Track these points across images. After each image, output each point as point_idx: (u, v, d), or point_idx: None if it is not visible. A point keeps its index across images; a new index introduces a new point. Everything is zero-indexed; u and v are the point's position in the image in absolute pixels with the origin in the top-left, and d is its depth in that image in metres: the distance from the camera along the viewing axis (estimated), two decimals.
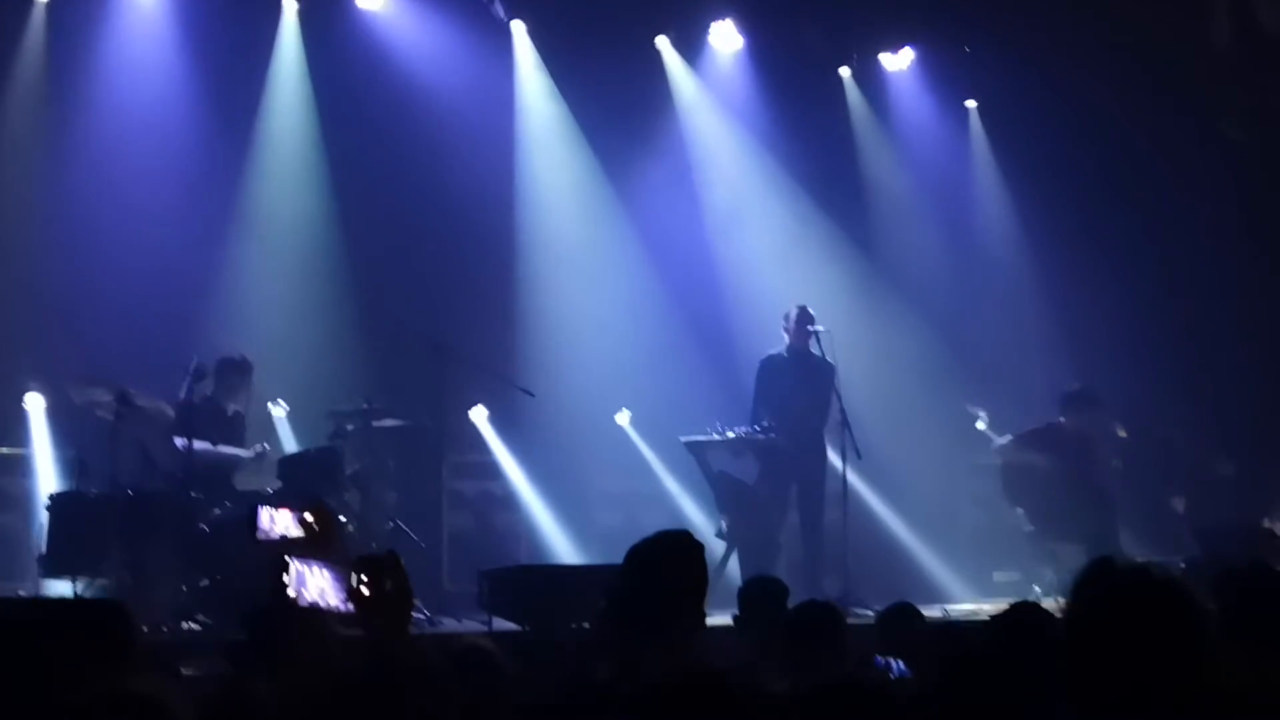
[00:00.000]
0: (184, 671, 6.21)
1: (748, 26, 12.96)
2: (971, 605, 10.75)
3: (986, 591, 11.69)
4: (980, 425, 12.62)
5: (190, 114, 11.05)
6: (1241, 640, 3.89)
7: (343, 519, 8.87)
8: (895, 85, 13.74)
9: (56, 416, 10.11)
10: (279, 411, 10.88)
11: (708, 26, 12.97)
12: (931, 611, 8.43)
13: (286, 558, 4.54)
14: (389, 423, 9.78)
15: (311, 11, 11.74)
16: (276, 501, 7.63)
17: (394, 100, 11.64)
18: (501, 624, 7.91)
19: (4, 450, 10.16)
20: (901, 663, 4.99)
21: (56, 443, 10.03)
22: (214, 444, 9.19)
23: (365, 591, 3.60)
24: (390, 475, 10.31)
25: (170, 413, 9.13)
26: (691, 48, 13.08)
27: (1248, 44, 13.13)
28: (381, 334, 10.88)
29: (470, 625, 8.44)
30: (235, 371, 9.60)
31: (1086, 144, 13.35)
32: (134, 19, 11.05)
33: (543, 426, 11.35)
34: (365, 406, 9.65)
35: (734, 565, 10.04)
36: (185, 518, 8.59)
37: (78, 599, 7.84)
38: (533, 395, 10.40)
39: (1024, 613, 4.56)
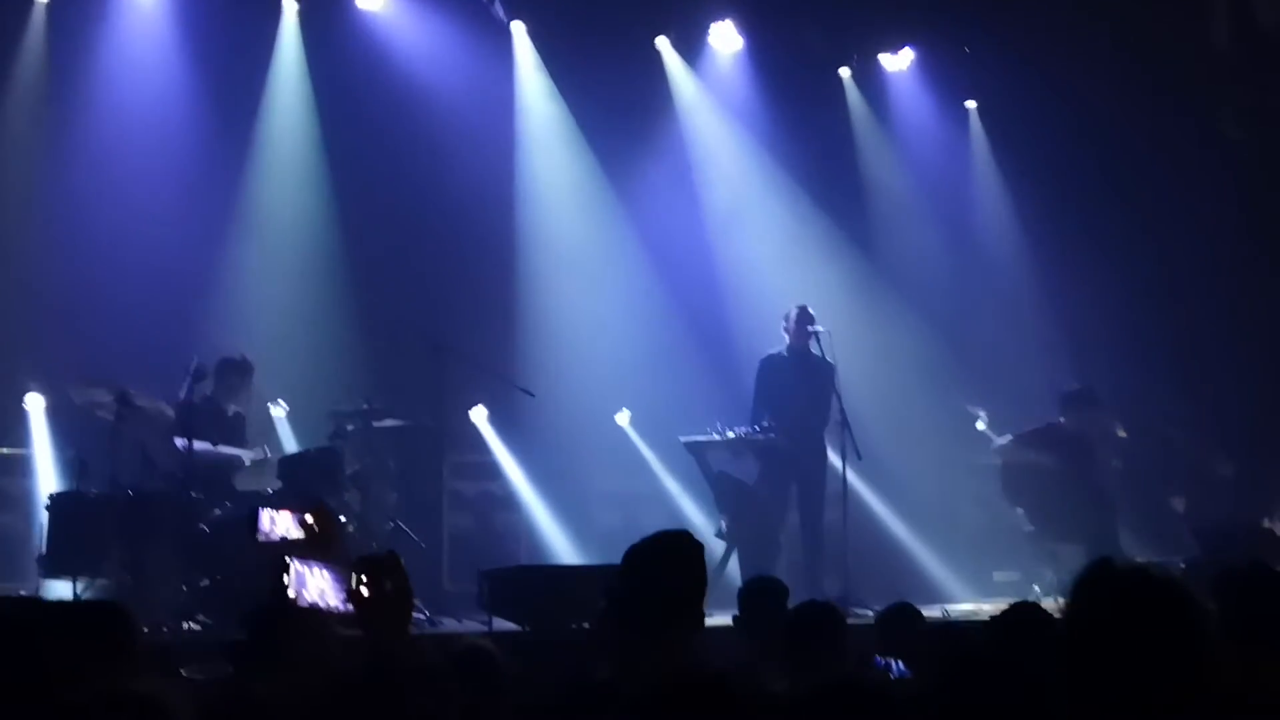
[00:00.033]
0: (184, 673, 6.24)
1: (747, 27, 12.97)
2: (971, 605, 10.75)
3: (986, 592, 11.69)
4: (980, 425, 12.63)
5: (190, 114, 11.05)
6: (1241, 640, 3.90)
7: (343, 519, 8.86)
8: (895, 85, 13.75)
9: (57, 417, 10.11)
10: (279, 412, 10.88)
11: (708, 27, 12.97)
12: (931, 612, 8.43)
13: (286, 558, 4.55)
14: (389, 423, 9.78)
15: (311, 12, 11.74)
16: (277, 503, 7.64)
17: (394, 100, 11.65)
18: (501, 624, 7.91)
19: (4, 450, 10.17)
20: (901, 663, 5.00)
21: (57, 443, 10.03)
22: (214, 444, 9.19)
23: (365, 592, 3.60)
24: (390, 475, 10.31)
25: (170, 413, 9.13)
26: (691, 48, 13.09)
27: (1247, 44, 13.14)
28: (382, 334, 10.88)
29: (470, 625, 8.44)
30: (235, 372, 9.60)
31: (1086, 144, 13.35)
32: (134, 19, 11.06)
33: (543, 427, 11.35)
34: (365, 407, 9.64)
35: (734, 565, 10.04)
36: (185, 518, 8.59)
37: (79, 600, 7.83)
38: (533, 395, 10.40)
39: (1024, 613, 4.56)
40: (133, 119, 10.87)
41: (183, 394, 8.94)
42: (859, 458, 10.09)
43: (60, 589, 8.35)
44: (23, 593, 8.77)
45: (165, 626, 8.01)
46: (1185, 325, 13.07)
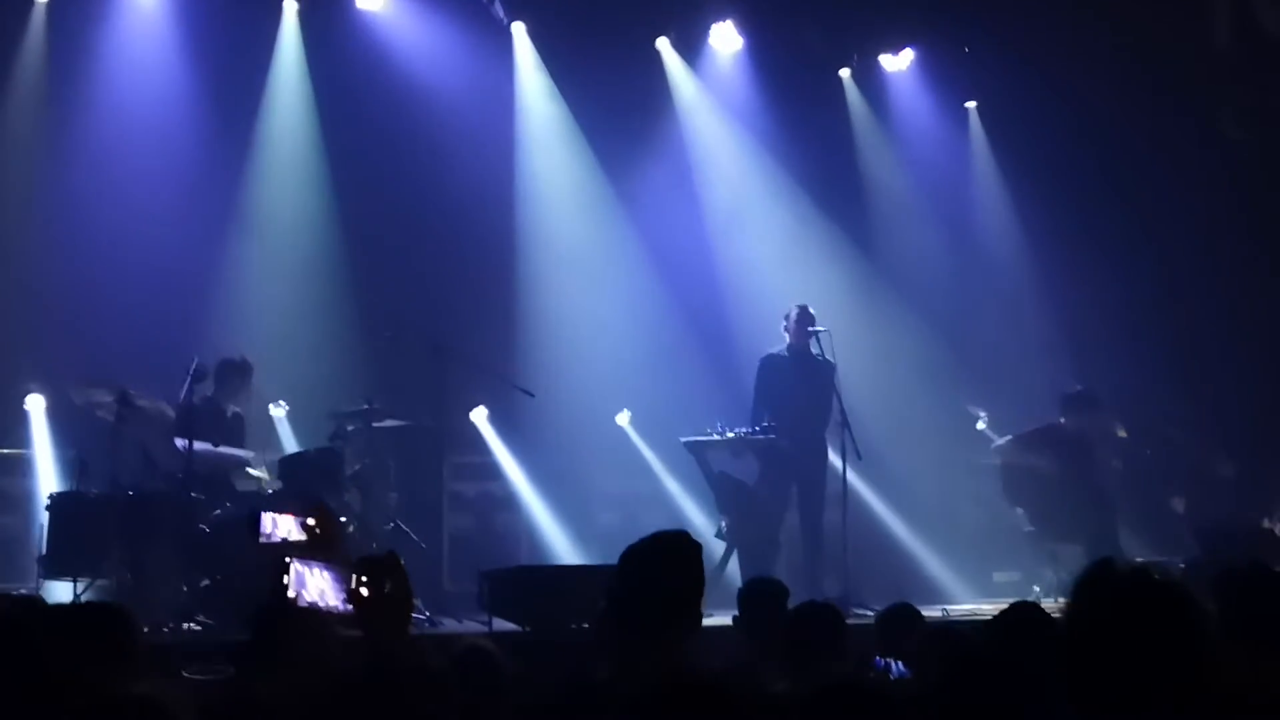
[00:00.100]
0: (185, 674, 6.24)
1: (748, 28, 12.97)
2: (971, 606, 10.75)
3: (987, 592, 11.69)
4: (980, 425, 12.64)
5: (190, 114, 11.05)
6: (1241, 641, 3.90)
7: (343, 520, 8.86)
8: (895, 86, 13.75)
9: (57, 417, 10.12)
10: (279, 412, 10.88)
11: (708, 28, 12.98)
12: (931, 612, 8.43)
13: (287, 558, 4.54)
14: (390, 423, 9.77)
15: (311, 12, 11.75)
16: (278, 504, 7.63)
17: (394, 101, 11.65)
18: (502, 624, 7.91)
19: (4, 451, 10.17)
20: (901, 663, 4.99)
21: (57, 443, 10.04)
22: (214, 445, 9.18)
23: (365, 592, 3.60)
24: (391, 476, 10.31)
25: (171, 413, 9.13)
26: (692, 49, 13.09)
27: (1248, 44, 13.14)
28: (382, 334, 10.85)
29: (470, 626, 8.44)
30: (235, 373, 9.60)
31: (1086, 144, 13.36)
32: (134, 19, 11.06)
33: (543, 427, 11.35)
34: (366, 407, 9.64)
35: (734, 565, 10.03)
36: (185, 518, 8.59)
37: (80, 602, 7.83)
38: (533, 395, 10.40)
39: (1024, 613, 4.56)
40: (133, 119, 10.87)
41: (183, 395, 8.94)
42: (859, 458, 10.09)
43: (60, 589, 8.35)
44: (23, 591, 8.80)
45: (165, 627, 8.01)
46: (1185, 325, 13.08)
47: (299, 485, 8.93)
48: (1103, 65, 12.75)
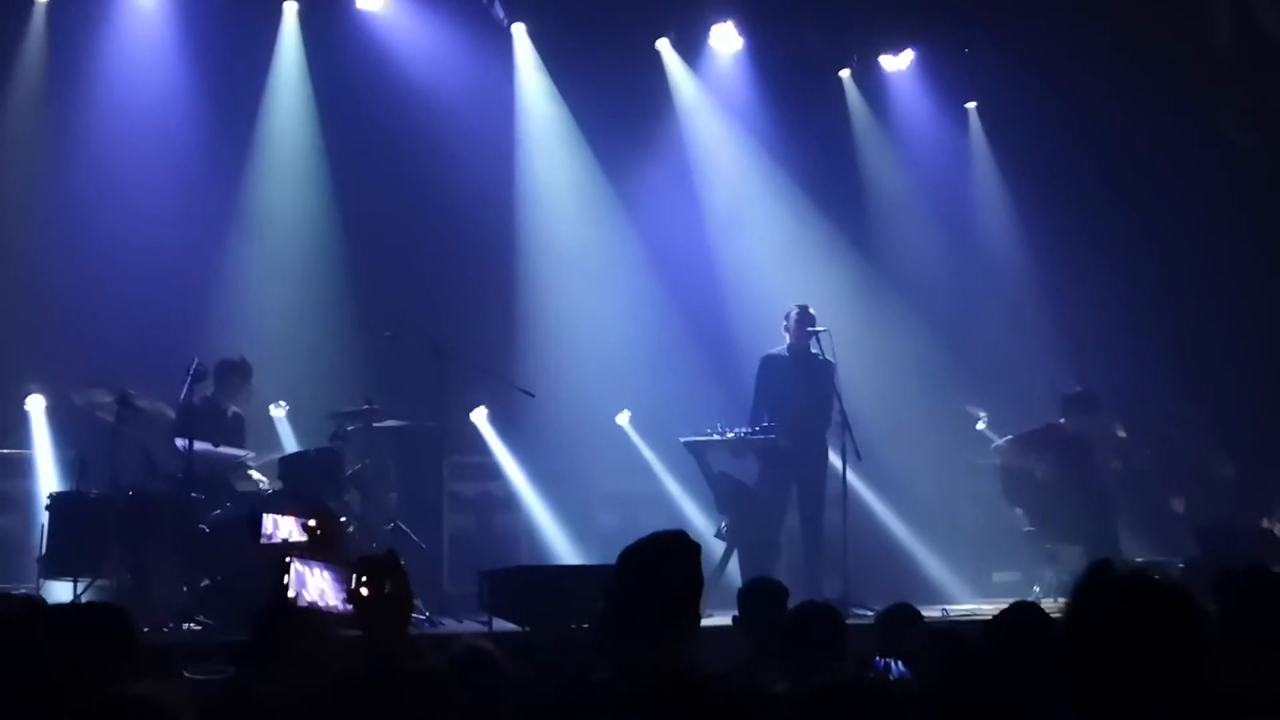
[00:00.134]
0: (187, 674, 6.24)
1: (748, 28, 12.97)
2: (971, 606, 10.75)
3: (986, 592, 11.69)
4: (980, 425, 12.64)
5: (190, 115, 11.05)
6: (1241, 641, 3.90)
7: (343, 520, 8.86)
8: (895, 86, 13.75)
9: (57, 418, 10.12)
10: (279, 412, 10.88)
11: (708, 29, 12.98)
12: (931, 612, 8.44)
13: (287, 558, 4.54)
14: (390, 423, 9.77)
15: (311, 12, 11.74)
16: (278, 504, 7.63)
17: (394, 101, 11.65)
18: (501, 625, 7.91)
19: (5, 451, 10.16)
20: (900, 664, 5.00)
21: (57, 444, 10.03)
22: (214, 445, 9.18)
23: (365, 592, 3.60)
24: (391, 476, 10.31)
25: (171, 414, 9.13)
26: (692, 50, 13.09)
27: (1248, 44, 13.14)
28: (382, 335, 10.86)
29: (470, 626, 8.44)
30: (235, 373, 9.60)
31: (1086, 144, 13.36)
32: (134, 19, 11.06)
33: (543, 427, 11.35)
34: (366, 407, 9.64)
35: (734, 566, 10.03)
36: (185, 518, 8.59)
37: (80, 603, 7.83)
38: (533, 396, 10.40)
39: (1023, 613, 4.56)
40: (133, 119, 10.87)
41: (183, 395, 8.94)
42: (859, 458, 10.09)
43: (60, 589, 8.35)
44: (23, 591, 8.80)
45: (165, 627, 8.02)
46: (1185, 325, 13.08)
47: (299, 485, 8.93)
48: (1103, 65, 12.76)
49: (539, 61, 12.49)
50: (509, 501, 11.46)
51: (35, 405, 10.23)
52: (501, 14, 12.32)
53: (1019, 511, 11.50)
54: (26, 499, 9.82)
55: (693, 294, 12.59)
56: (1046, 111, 13.32)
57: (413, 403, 10.11)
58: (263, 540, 5.22)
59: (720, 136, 13.19)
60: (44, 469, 10.01)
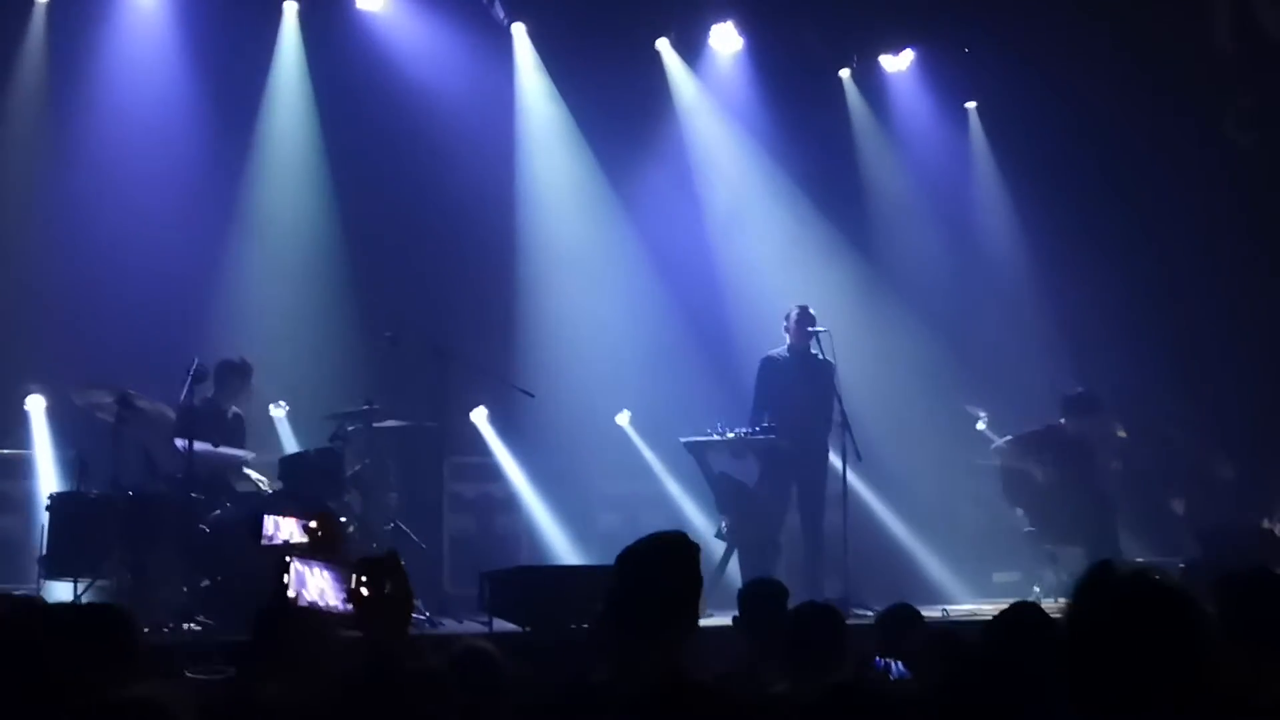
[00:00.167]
0: (188, 674, 6.24)
1: (748, 28, 12.97)
2: (971, 606, 10.75)
3: (986, 592, 11.69)
4: (980, 426, 12.64)
5: (191, 115, 11.05)
6: (1241, 642, 3.90)
7: (343, 520, 8.86)
8: (895, 86, 13.76)
9: (57, 418, 10.11)
10: (279, 412, 10.88)
11: (708, 29, 12.98)
12: (931, 612, 8.44)
13: (287, 558, 4.54)
14: (390, 424, 9.77)
15: (311, 12, 11.74)
16: (279, 505, 7.63)
17: (394, 102, 11.65)
18: (502, 625, 7.91)
19: (5, 452, 10.16)
20: (900, 664, 5.00)
21: (57, 444, 10.03)
22: (214, 445, 9.18)
23: (365, 593, 3.60)
24: (391, 476, 10.31)
25: (171, 415, 9.13)
26: (692, 50, 13.09)
27: (1248, 45, 13.14)
28: (382, 335, 10.87)
29: (470, 626, 8.44)
30: (235, 374, 9.60)
31: (1086, 144, 13.37)
32: (134, 20, 11.06)
33: (543, 428, 11.35)
34: (366, 408, 9.64)
35: (734, 566, 10.03)
36: (185, 519, 8.59)
37: (82, 604, 7.83)
38: (533, 396, 10.40)
39: (1023, 613, 4.56)
40: (133, 120, 10.87)
41: (182, 395, 8.94)
42: (859, 459, 10.08)
43: (61, 590, 8.35)
44: (23, 592, 8.79)
45: (165, 627, 8.02)
46: (1185, 325, 13.08)
47: (299, 486, 8.93)
48: (1103, 65, 12.76)
49: (539, 61, 12.49)
50: (509, 502, 11.46)
51: (35, 405, 10.22)
52: (501, 14, 12.32)
53: (1019, 512, 11.50)
54: (27, 499, 9.82)
55: (693, 294, 12.59)
56: (1046, 111, 13.32)
57: (413, 403, 10.11)
58: (264, 542, 5.23)
59: (720, 136, 13.19)
60: (44, 469, 10.01)
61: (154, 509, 8.60)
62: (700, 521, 11.01)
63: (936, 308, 13.16)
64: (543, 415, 11.07)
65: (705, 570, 3.83)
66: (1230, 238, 13.09)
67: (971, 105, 14.03)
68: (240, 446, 9.57)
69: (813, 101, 13.32)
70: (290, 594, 4.17)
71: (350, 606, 3.70)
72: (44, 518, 8.69)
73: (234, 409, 9.67)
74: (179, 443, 8.85)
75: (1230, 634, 3.94)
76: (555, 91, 12.51)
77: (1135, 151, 13.18)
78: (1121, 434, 12.23)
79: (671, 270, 12.60)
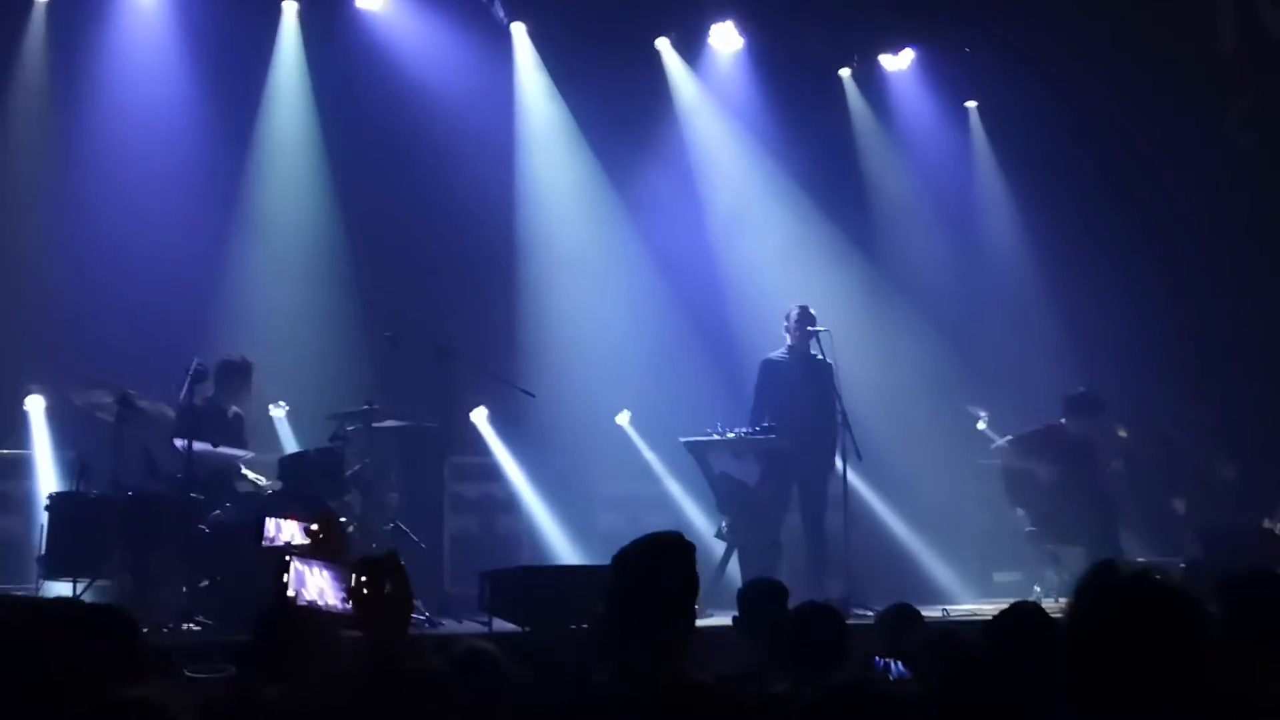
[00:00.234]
0: (188, 673, 6.24)
1: (748, 28, 12.97)
2: (972, 606, 10.74)
3: (987, 592, 11.69)
4: (980, 426, 12.63)
5: (191, 115, 11.04)
6: (1243, 643, 3.90)
7: (343, 520, 8.85)
8: (895, 86, 13.75)
9: (57, 418, 10.11)
10: (279, 412, 10.87)
11: (708, 28, 12.98)
12: (931, 612, 8.43)
13: (286, 557, 4.54)
14: (390, 424, 9.76)
15: (311, 12, 11.74)
16: (280, 506, 7.62)
17: (395, 102, 11.64)
18: (502, 625, 7.91)
19: (4, 452, 10.16)
20: (900, 664, 4.99)
21: (57, 444, 10.03)
22: (214, 445, 9.18)
23: (365, 592, 3.60)
24: (391, 476, 10.30)
25: (171, 415, 9.13)
26: (692, 50, 13.09)
27: (1249, 45, 13.14)
28: (383, 335, 10.88)
29: (471, 627, 8.43)
30: (236, 373, 9.58)
31: (1087, 144, 13.36)
32: (134, 19, 11.05)
33: (544, 428, 11.35)
34: (367, 407, 9.64)
35: (734, 566, 10.02)
36: (185, 519, 8.59)
37: (83, 604, 7.82)
38: (533, 396, 10.39)
39: (1024, 613, 4.56)
40: (133, 120, 10.87)
41: (182, 395, 8.93)
42: (859, 459, 10.07)
43: (60, 590, 8.34)
44: (23, 592, 8.79)
45: (165, 627, 8.01)
46: (1186, 325, 13.08)
47: (299, 486, 8.93)
48: (1103, 65, 12.75)
49: (539, 61, 12.49)
50: (510, 502, 11.46)
51: (35, 405, 10.21)
52: (501, 14, 12.31)
53: (1020, 512, 11.49)
54: (26, 499, 9.81)
55: (693, 294, 12.58)
56: (1047, 111, 13.32)
57: (413, 403, 10.10)
58: (265, 543, 5.23)
59: (720, 136, 13.18)
60: (44, 469, 10.00)
61: (154, 509, 8.60)
62: (701, 522, 11.01)
63: (938, 307, 13.16)
64: (543, 415, 11.07)
65: (705, 570, 3.82)
66: (1231, 237, 13.08)
67: (972, 105, 14.03)
68: (241, 447, 9.56)
69: (813, 101, 13.32)
70: (290, 593, 4.17)
71: (350, 606, 3.70)
72: (43, 518, 8.69)
73: (234, 408, 9.66)
74: (178, 443, 8.84)
75: (1232, 634, 3.93)
76: (555, 91, 12.50)
77: (1136, 151, 13.17)
78: (1123, 434, 12.22)
79: (672, 270, 12.60)
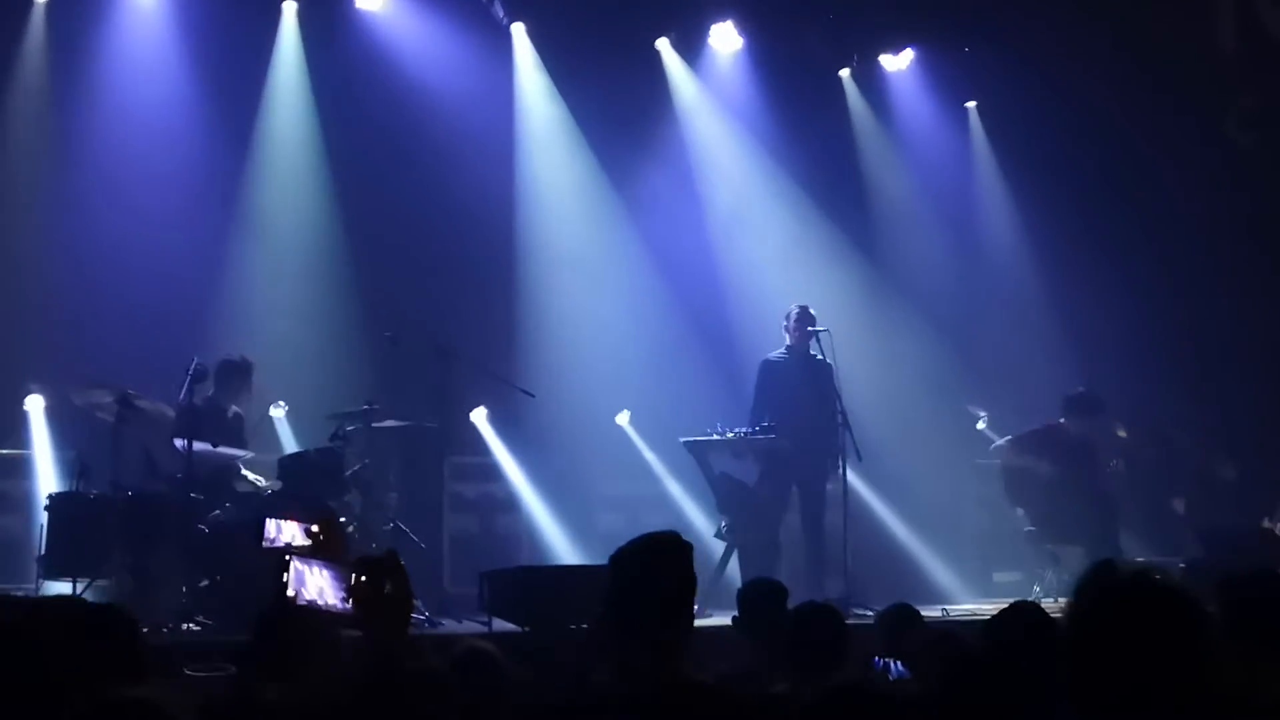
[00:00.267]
0: (188, 671, 6.24)
1: (748, 28, 12.97)
2: (971, 606, 10.74)
3: (987, 592, 11.69)
4: (980, 425, 12.63)
5: (190, 115, 11.04)
6: (1243, 643, 3.90)
7: (343, 520, 8.85)
8: (895, 86, 13.75)
9: (57, 418, 10.11)
10: (279, 412, 10.87)
11: (708, 28, 12.97)
12: (931, 612, 8.43)
13: (287, 557, 4.54)
14: (390, 423, 9.76)
15: (311, 12, 11.74)
16: (280, 506, 7.62)
17: (395, 102, 11.64)
18: (502, 625, 7.91)
19: (4, 452, 10.16)
20: (900, 664, 4.99)
21: (57, 444, 10.03)
22: (214, 445, 9.18)
23: (365, 593, 3.60)
24: (391, 476, 10.30)
25: (171, 415, 9.13)
26: (692, 50, 13.09)
27: (1250, 45, 13.14)
28: (383, 335, 10.88)
29: (470, 627, 8.44)
30: (235, 373, 9.58)
31: (1087, 144, 13.36)
32: (134, 19, 11.06)
33: (544, 428, 11.35)
34: (366, 407, 9.64)
35: (734, 566, 10.02)
36: (185, 519, 8.59)
37: (83, 605, 7.82)
38: (533, 396, 10.39)
39: (1024, 613, 4.56)
40: (133, 120, 10.87)
41: (182, 395, 8.94)
42: (859, 459, 10.07)
43: (60, 590, 8.33)
44: (23, 591, 8.79)
45: (165, 627, 8.02)
46: (1186, 325, 13.08)
47: (299, 486, 8.93)
48: (1103, 65, 12.75)
49: (539, 61, 12.49)
50: (509, 502, 11.46)
51: (35, 405, 10.22)
52: (501, 14, 12.31)
53: (1020, 512, 11.49)
54: (26, 499, 9.81)
55: (693, 294, 12.58)
56: (1046, 111, 13.32)
57: (413, 403, 10.10)
58: (265, 544, 5.23)
59: (720, 136, 13.18)
60: (44, 469, 10.01)
61: (154, 509, 8.60)
62: (700, 521, 11.00)
63: (938, 307, 13.16)
64: (543, 415, 11.07)
65: (705, 570, 3.82)
66: (1231, 237, 13.09)
67: (972, 105, 14.03)
68: (241, 446, 9.56)
69: (813, 101, 13.32)
70: (290, 593, 4.17)
71: (350, 606, 3.70)
72: (43, 518, 8.69)
73: (234, 408, 9.66)
74: (178, 443, 8.84)
75: (1231, 634, 3.94)
76: (555, 91, 12.50)
77: (1136, 151, 13.18)
78: (1122, 434, 12.22)
79: (672, 270, 12.60)
